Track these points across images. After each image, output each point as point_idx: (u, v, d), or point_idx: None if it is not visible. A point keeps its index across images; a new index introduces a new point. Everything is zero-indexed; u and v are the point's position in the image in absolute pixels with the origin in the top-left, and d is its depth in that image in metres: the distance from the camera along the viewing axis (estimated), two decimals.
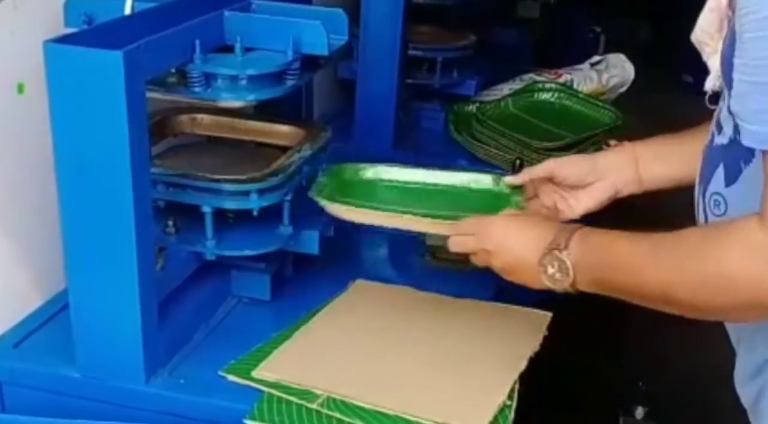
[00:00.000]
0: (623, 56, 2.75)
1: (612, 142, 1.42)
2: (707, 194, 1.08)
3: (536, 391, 1.39)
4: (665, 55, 5.51)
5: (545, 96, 2.42)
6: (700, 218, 1.12)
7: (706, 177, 1.09)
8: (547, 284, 1.12)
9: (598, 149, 2.16)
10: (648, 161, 1.34)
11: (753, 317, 1.02)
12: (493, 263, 1.21)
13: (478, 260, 1.24)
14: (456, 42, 2.42)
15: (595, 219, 1.33)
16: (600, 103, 2.42)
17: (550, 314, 1.43)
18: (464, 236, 1.25)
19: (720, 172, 1.06)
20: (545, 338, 1.37)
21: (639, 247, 1.05)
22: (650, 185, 1.34)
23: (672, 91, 5.26)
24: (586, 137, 2.17)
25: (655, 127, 1.48)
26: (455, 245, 1.27)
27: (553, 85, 2.46)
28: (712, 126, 1.10)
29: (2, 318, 1.32)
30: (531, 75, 2.55)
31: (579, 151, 2.11)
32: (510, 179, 1.44)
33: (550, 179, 1.38)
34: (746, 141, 0.94)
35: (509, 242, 1.19)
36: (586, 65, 2.68)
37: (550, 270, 1.11)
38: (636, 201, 1.37)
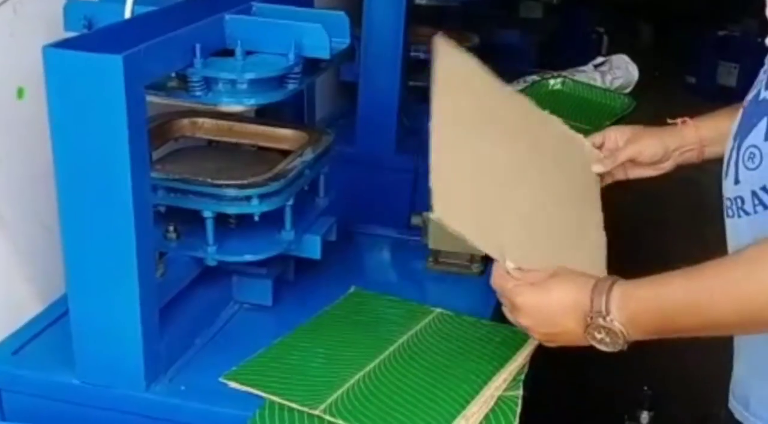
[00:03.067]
0: (627, 57, 2.74)
1: (679, 120, 1.46)
2: (743, 147, 1.08)
3: (540, 396, 1.38)
4: (668, 56, 5.51)
5: (553, 84, 2.42)
6: (730, 172, 1.10)
7: (745, 130, 1.08)
8: (600, 347, 1.08)
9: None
10: (711, 144, 1.39)
11: None
12: (535, 336, 1.16)
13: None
14: (458, 43, 2.40)
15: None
16: (609, 90, 2.43)
17: None
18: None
19: (762, 126, 1.05)
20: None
21: (694, 282, 1.01)
22: (707, 160, 1.43)
23: (675, 92, 5.24)
24: (603, 128, 2.16)
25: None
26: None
27: (558, 77, 2.47)
28: (761, 82, 1.09)
29: (1, 325, 1.31)
30: (534, 76, 2.55)
31: None
32: (596, 169, 1.45)
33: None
34: None
35: (548, 319, 1.13)
36: (589, 67, 2.67)
37: (598, 336, 1.07)
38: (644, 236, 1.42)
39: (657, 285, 1.04)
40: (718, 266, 1.00)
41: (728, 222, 1.12)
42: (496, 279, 1.18)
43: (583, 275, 1.13)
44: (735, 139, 1.11)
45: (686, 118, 1.44)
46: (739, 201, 1.08)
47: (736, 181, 1.08)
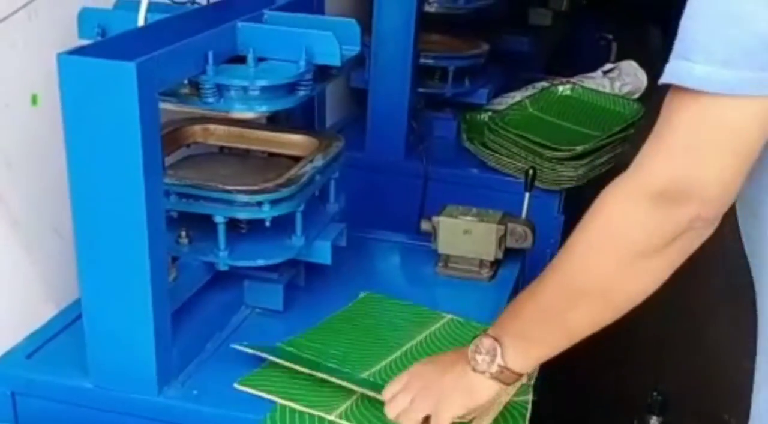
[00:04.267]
0: (635, 64, 2.74)
1: None
2: None
3: (549, 401, 1.38)
4: None
5: (563, 91, 2.43)
6: None
7: None
8: (481, 373, 1.10)
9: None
10: None
11: (642, 279, 1.01)
12: (440, 409, 1.13)
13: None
14: (468, 50, 2.42)
15: None
16: (619, 96, 2.43)
17: None
18: (396, 397, 1.17)
19: None
20: None
21: (535, 281, 1.09)
22: None
23: None
24: (613, 135, 2.18)
25: None
26: (391, 411, 1.17)
27: (567, 84, 2.47)
28: None
29: (15, 329, 1.32)
30: (543, 83, 2.55)
31: (596, 155, 2.12)
32: None
33: None
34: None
35: (435, 375, 1.15)
36: (598, 73, 2.67)
37: (479, 357, 1.10)
38: None
39: (512, 304, 1.14)
40: (551, 263, 1.07)
41: None
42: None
43: None
44: None
45: None
46: None
47: None
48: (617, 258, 0.99)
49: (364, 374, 1.28)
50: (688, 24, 0.89)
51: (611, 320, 1.04)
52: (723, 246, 1.14)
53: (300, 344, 1.35)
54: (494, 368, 1.10)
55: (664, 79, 0.91)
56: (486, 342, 1.10)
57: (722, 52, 0.86)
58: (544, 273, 1.07)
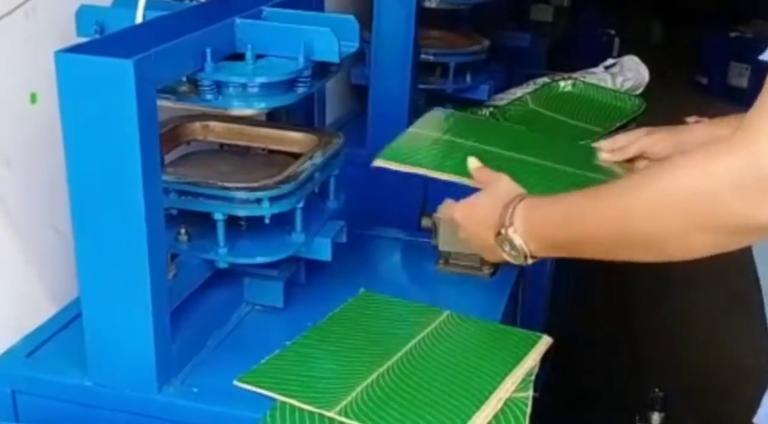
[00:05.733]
0: (637, 59, 2.74)
1: (692, 118, 1.52)
2: None
3: (551, 397, 1.38)
4: (679, 57, 5.50)
5: (564, 86, 2.42)
6: None
7: None
8: (511, 261, 1.20)
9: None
10: None
11: (705, 242, 0.96)
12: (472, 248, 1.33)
13: None
14: (469, 46, 2.41)
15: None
16: (620, 91, 2.43)
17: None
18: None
19: None
20: (560, 345, 1.36)
21: (586, 195, 1.10)
22: None
23: (686, 93, 5.24)
24: (614, 130, 2.17)
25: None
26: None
27: (569, 79, 2.47)
28: None
29: (16, 327, 1.32)
30: (544, 79, 2.55)
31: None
32: (606, 157, 1.56)
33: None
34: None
35: (471, 228, 1.28)
36: (600, 68, 2.67)
37: (507, 249, 1.18)
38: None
39: (557, 200, 1.15)
40: (611, 185, 1.08)
41: None
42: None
43: (507, 186, 1.26)
44: None
45: (701, 118, 1.46)
46: None
47: None
48: (686, 225, 0.94)
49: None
50: None
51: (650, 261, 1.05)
52: None
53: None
54: (518, 261, 1.19)
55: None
56: (513, 243, 1.16)
57: None
58: (602, 198, 1.07)
